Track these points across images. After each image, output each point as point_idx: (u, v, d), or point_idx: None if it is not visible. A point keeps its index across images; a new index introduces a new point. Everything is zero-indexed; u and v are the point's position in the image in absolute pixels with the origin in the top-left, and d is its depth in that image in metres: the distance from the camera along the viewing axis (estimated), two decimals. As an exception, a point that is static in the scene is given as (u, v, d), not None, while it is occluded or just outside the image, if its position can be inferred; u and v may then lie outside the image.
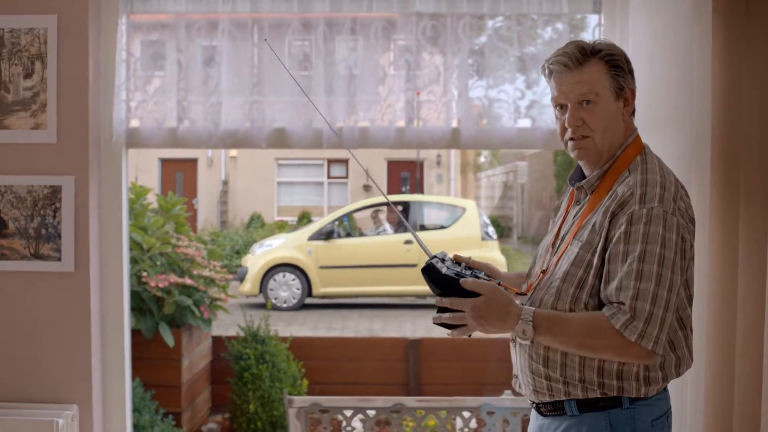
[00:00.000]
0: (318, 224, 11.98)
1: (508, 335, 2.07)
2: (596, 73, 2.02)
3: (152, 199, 5.67)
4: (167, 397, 4.85)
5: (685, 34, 2.66)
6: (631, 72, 2.10)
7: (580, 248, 1.97)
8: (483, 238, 11.46)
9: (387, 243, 11.68)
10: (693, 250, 1.97)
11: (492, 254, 11.23)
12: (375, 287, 11.19)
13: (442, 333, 2.00)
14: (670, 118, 2.82)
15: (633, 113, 2.12)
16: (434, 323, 1.96)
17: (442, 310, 1.95)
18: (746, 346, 2.42)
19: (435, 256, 1.97)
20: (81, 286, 3.08)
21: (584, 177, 2.10)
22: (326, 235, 11.47)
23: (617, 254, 1.88)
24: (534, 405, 2.09)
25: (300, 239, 11.69)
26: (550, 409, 2.02)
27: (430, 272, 1.93)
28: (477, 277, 1.95)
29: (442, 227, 11.99)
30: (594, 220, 1.98)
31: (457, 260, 2.07)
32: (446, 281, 1.91)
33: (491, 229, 11.82)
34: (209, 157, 21.38)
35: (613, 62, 2.05)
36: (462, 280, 1.90)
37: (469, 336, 1.97)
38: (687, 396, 2.71)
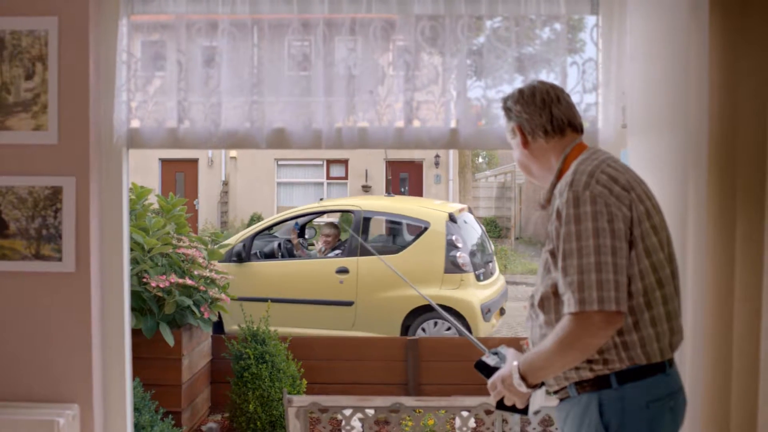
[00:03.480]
0: (231, 240, 8.78)
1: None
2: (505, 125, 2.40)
3: (153, 200, 5.67)
4: (167, 396, 4.85)
5: (682, 35, 2.68)
6: (509, 108, 2.33)
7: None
8: (447, 270, 8.09)
9: (314, 271, 8.57)
10: (635, 211, 2.05)
11: (455, 294, 7.98)
12: (298, 329, 7.62)
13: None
14: (667, 118, 2.83)
15: (549, 135, 2.27)
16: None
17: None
18: (743, 345, 2.44)
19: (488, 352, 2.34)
20: (82, 286, 3.09)
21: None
22: (237, 256, 8.47)
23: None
24: (554, 393, 2.23)
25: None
26: (561, 395, 2.18)
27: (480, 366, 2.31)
28: (496, 355, 2.31)
29: (401, 247, 8.89)
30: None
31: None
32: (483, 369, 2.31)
33: (463, 255, 8.15)
34: (209, 157, 21.40)
35: (504, 109, 2.35)
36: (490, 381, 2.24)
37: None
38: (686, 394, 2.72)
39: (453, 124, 3.13)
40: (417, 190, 21.35)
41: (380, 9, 3.11)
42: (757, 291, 2.38)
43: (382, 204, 9.54)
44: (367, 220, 8.88)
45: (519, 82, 3.10)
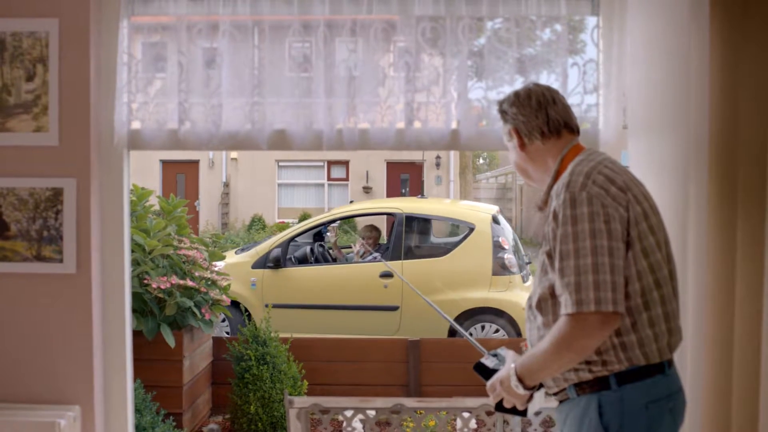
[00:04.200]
0: (265, 245, 8.48)
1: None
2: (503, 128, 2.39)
3: (154, 201, 5.67)
4: (168, 398, 4.85)
5: (683, 36, 2.68)
6: (505, 111, 2.33)
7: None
8: (495, 272, 7.94)
9: (356, 275, 8.22)
10: (632, 212, 2.04)
11: (505, 296, 7.84)
12: (342, 336, 7.16)
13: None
14: (668, 119, 2.83)
15: (546, 136, 2.27)
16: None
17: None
18: (744, 346, 2.43)
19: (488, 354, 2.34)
20: (83, 287, 3.09)
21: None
22: (275, 262, 8.19)
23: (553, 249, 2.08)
24: (553, 395, 2.23)
25: (242, 267, 8.26)
26: (560, 397, 2.18)
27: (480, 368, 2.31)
28: (495, 356, 2.31)
29: (445, 248, 8.68)
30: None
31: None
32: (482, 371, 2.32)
33: (510, 257, 8.01)
34: (210, 158, 21.41)
35: (500, 112, 2.35)
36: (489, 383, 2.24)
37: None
38: (685, 394, 2.72)
39: (454, 125, 3.13)
40: (418, 191, 21.35)
41: (381, 10, 3.11)
42: (758, 292, 2.37)
43: (422, 206, 9.33)
44: (409, 223, 8.64)
45: (520, 83, 3.10)
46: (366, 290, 8.00)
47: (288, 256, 8.40)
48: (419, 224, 8.89)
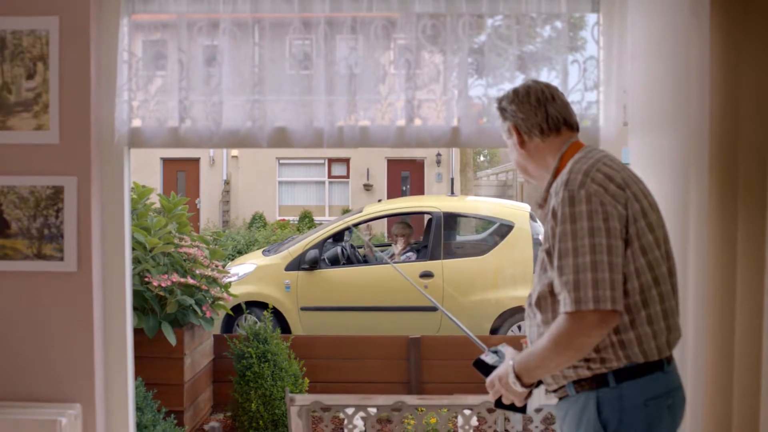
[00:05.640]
0: (299, 246, 8.27)
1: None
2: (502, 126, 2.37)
3: (154, 199, 5.67)
4: (169, 395, 4.86)
5: (684, 33, 2.67)
6: (504, 108, 2.32)
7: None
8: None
9: (395, 276, 7.51)
10: (630, 210, 2.04)
11: None
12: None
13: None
14: (669, 116, 2.82)
15: (545, 133, 2.26)
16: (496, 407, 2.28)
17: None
18: (745, 343, 2.43)
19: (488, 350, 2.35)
20: (84, 285, 3.09)
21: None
22: (311, 264, 8.02)
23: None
24: (553, 392, 2.23)
25: (274, 269, 8.16)
26: (560, 394, 2.18)
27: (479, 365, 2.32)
28: (495, 353, 2.32)
29: (478, 248, 8.61)
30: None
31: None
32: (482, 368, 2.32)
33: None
34: (211, 156, 21.41)
35: (499, 109, 2.34)
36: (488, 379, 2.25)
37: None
38: (686, 392, 2.72)
39: (454, 123, 3.13)
40: (419, 189, 21.35)
41: (381, 8, 3.11)
42: (758, 289, 2.37)
43: (458, 204, 9.20)
44: (447, 221, 8.50)
45: (520, 81, 3.08)
46: (406, 291, 7.62)
47: (321, 258, 8.26)
48: (457, 223, 8.73)
